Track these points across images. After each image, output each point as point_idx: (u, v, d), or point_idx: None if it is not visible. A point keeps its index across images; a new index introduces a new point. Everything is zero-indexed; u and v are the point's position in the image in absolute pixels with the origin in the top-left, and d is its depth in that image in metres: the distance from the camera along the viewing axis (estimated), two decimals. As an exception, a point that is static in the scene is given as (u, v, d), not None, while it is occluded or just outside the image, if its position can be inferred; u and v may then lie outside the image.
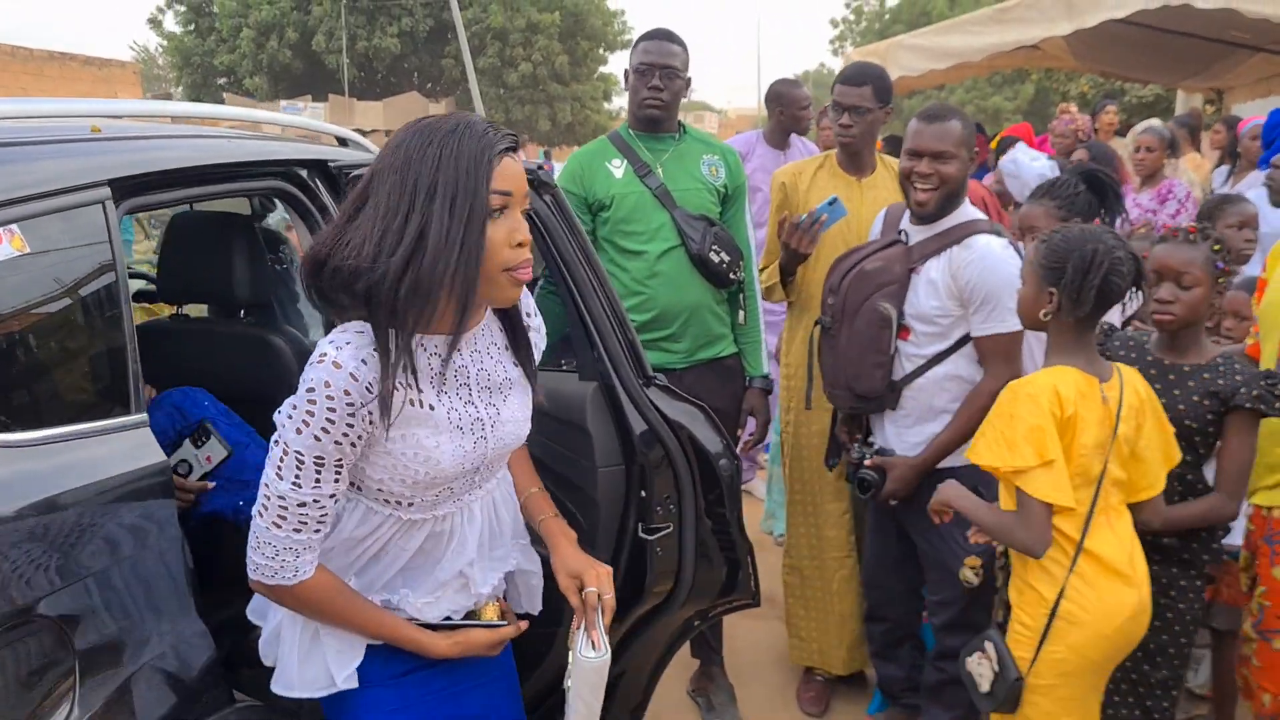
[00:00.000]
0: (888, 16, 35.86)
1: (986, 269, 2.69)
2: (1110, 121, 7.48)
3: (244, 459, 2.40)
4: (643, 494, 2.30)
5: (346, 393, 1.46)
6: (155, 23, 34.47)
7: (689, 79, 3.19)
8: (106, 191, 1.72)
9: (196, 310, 2.96)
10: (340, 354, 1.47)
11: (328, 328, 2.61)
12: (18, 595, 1.42)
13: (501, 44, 31.81)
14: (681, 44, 3.15)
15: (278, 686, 1.70)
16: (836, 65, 36.29)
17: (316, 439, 1.48)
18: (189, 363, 2.57)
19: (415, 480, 1.59)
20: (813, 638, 3.49)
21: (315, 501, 1.53)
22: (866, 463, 2.87)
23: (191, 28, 33.25)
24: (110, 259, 1.71)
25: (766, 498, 5.13)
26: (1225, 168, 6.62)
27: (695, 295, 3.07)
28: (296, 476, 1.50)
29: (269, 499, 1.53)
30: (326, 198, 2.49)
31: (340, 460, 1.52)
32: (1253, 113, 7.45)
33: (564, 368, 2.51)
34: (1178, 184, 4.63)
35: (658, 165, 3.10)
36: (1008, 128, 7.32)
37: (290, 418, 1.48)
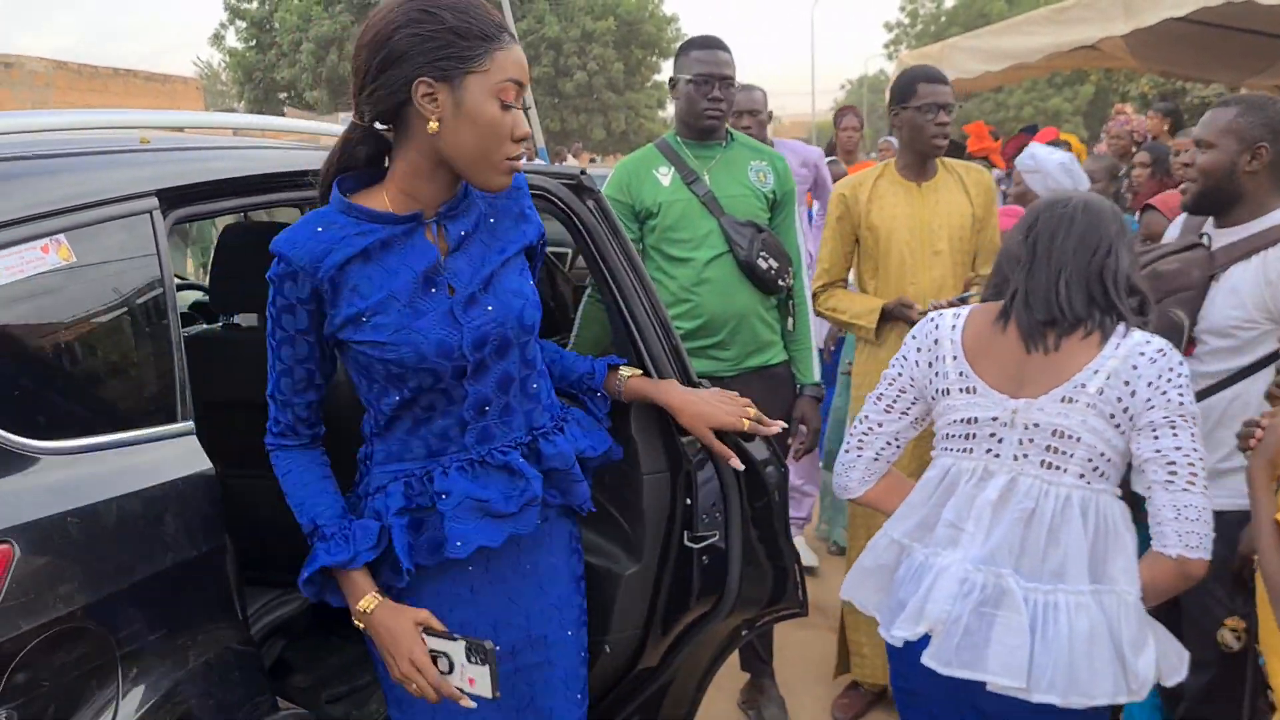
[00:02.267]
0: (944, 19, 35.50)
1: None
2: (1155, 125, 7.29)
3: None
4: (688, 502, 2.28)
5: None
6: (218, 39, 35.20)
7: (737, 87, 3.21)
8: (154, 202, 1.75)
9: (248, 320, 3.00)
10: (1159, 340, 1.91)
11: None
12: (63, 599, 1.44)
13: (556, 53, 32.00)
14: (730, 51, 3.15)
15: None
16: (891, 69, 36.02)
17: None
18: (241, 372, 2.60)
19: None
20: (877, 654, 3.37)
21: None
22: None
23: (253, 43, 33.90)
24: (158, 269, 1.73)
25: (820, 503, 5.08)
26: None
27: (743, 302, 3.04)
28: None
29: (1196, 466, 1.80)
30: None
31: None
32: (1321, 110, 7.24)
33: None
34: None
35: (705, 172, 3.08)
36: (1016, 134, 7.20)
37: (1182, 390, 1.82)
